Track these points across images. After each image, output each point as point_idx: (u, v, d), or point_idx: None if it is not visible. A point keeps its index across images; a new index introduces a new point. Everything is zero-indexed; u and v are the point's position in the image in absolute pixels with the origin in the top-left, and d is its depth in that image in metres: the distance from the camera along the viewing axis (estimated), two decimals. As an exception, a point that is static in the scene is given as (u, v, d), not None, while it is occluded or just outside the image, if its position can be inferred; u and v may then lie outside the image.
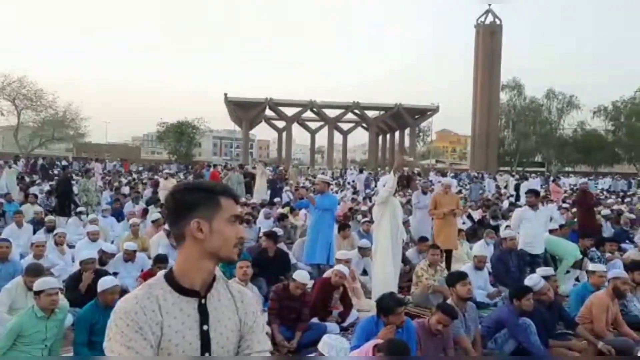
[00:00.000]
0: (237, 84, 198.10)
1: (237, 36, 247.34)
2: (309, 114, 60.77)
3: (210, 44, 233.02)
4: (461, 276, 5.13)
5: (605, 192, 25.51)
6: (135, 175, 29.07)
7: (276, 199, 15.21)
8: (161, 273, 1.54)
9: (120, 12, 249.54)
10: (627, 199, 20.28)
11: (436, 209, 8.59)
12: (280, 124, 63.44)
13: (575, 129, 62.45)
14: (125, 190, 17.85)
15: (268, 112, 60.62)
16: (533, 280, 5.54)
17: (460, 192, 21.43)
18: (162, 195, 14.53)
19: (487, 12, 57.40)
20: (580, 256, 8.35)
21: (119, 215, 12.21)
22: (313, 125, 65.60)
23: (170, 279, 1.48)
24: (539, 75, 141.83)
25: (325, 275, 6.50)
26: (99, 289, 4.75)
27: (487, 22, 57.54)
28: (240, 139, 68.49)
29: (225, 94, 55.56)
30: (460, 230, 9.56)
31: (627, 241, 11.53)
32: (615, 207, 15.24)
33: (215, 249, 1.48)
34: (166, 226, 8.71)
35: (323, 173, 32.98)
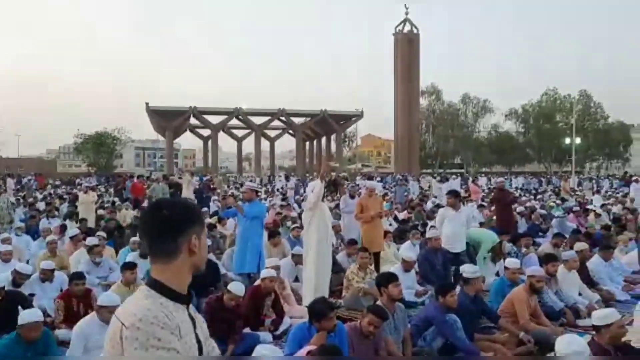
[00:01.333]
0: (160, 92, 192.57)
1: (159, 41, 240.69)
2: (235, 121, 60.12)
3: (130, 51, 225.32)
4: (392, 278, 5.22)
5: (519, 191, 27.01)
6: (51, 190, 27.48)
7: (204, 209, 14.87)
8: (143, 287, 1.55)
9: (25, 18, 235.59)
10: (539, 196, 21.61)
11: (362, 212, 8.68)
12: (206, 132, 62.33)
13: (489, 131, 66.18)
14: (41, 205, 16.80)
15: (193, 121, 59.37)
16: (471, 268, 5.78)
17: (386, 194, 21.94)
18: (82, 209, 13.78)
19: (405, 21, 59.34)
20: (498, 240, 8.76)
21: (34, 232, 11.47)
22: (240, 133, 64.96)
23: (162, 288, 1.52)
24: (456, 80, 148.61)
25: (255, 283, 6.42)
26: (20, 321, 4.35)
27: (405, 30, 59.53)
28: (164, 148, 66.60)
29: (147, 103, 53.78)
30: (386, 232, 9.75)
31: (539, 234, 12.28)
32: (528, 204, 16.16)
33: (201, 261, 1.61)
34: (87, 242, 8.27)
35: (251, 181, 32.80)
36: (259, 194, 15.91)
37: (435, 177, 31.12)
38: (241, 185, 29.88)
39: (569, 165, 53.35)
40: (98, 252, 7.90)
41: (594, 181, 32.52)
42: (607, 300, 7.02)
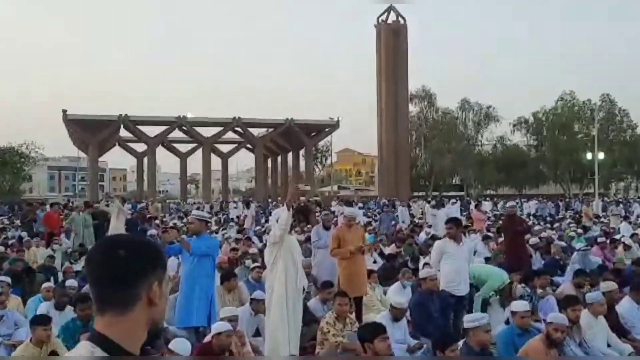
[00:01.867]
0: (82, 97, 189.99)
1: (82, 37, 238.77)
2: (177, 133, 59.83)
3: (44, 48, 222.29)
4: (378, 330, 5.21)
5: (532, 218, 27.43)
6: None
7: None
8: (85, 344, 1.54)
9: None
10: (557, 225, 21.98)
11: (340, 247, 8.66)
12: (141, 147, 61.86)
13: (494, 144, 67.21)
14: None
15: (124, 133, 58.88)
16: (473, 316, 5.80)
17: (369, 224, 22.01)
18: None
19: (389, 9, 60.24)
20: (508, 280, 8.87)
21: None
22: (183, 147, 64.64)
23: (110, 347, 1.51)
24: (452, 82, 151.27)
25: (205, 340, 6.33)
26: None
27: (390, 21, 60.38)
28: (87, 168, 65.65)
29: (64, 111, 53.10)
30: (370, 272, 9.75)
31: (558, 272, 12.46)
32: (543, 234, 16.40)
33: (160, 315, 1.62)
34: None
35: (198, 208, 32.53)
36: (209, 225, 15.79)
37: (429, 202, 31.38)
38: (186, 214, 29.68)
39: (591, 185, 54.61)
40: (0, 302, 7.70)
41: (621, 205, 33.26)
42: (641, 352, 7.14)
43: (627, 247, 14.14)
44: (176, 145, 64.62)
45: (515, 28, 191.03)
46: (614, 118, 63.14)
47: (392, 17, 60.39)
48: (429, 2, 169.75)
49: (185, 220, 22.59)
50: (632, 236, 15.84)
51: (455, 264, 8.11)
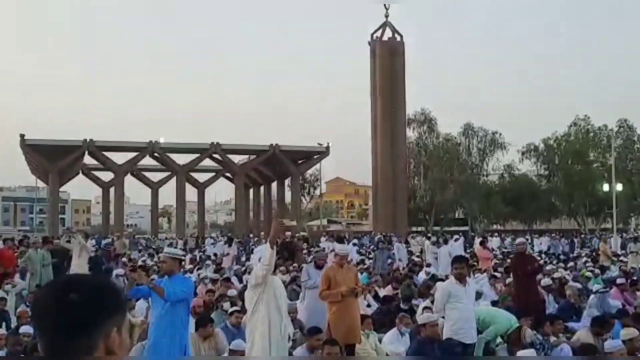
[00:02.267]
0: (42, 121, 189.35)
1: (41, 55, 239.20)
2: (149, 161, 59.69)
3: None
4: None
5: (544, 256, 27.47)
6: None
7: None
8: None
9: None
10: (571, 264, 22.01)
11: (330, 289, 8.63)
12: (107, 176, 61.67)
13: (501, 174, 67.57)
14: None
15: (88, 160, 58.70)
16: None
17: (362, 262, 21.94)
18: None
19: (385, 25, 60.88)
20: (517, 324, 8.84)
21: None
22: (155, 176, 64.49)
23: None
24: (454, 105, 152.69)
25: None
26: None
27: (385, 37, 61.00)
28: (46, 199, 65.22)
29: (22, 136, 52.98)
30: (364, 317, 9.70)
31: (573, 317, 12.44)
32: (557, 274, 16.41)
33: None
34: None
35: (171, 244, 32.31)
36: (183, 263, 15.69)
37: (429, 238, 31.42)
38: (157, 251, 29.46)
39: (609, 220, 54.86)
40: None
41: (642, 242, 33.45)
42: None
43: (649, 290, 14.17)
44: (147, 174, 64.43)
45: (524, 47, 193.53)
46: (633, 145, 63.79)
47: (388, 33, 60.99)
48: (428, 16, 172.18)
49: (156, 258, 22.43)
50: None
51: (463, 309, 8.11)
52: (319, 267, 10.39)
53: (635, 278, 15.65)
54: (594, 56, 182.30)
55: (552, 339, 9.23)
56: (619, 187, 49.49)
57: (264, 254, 7.09)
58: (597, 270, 18.19)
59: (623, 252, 29.06)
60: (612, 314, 10.59)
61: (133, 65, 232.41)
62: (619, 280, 14.63)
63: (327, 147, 61.97)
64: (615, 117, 64.67)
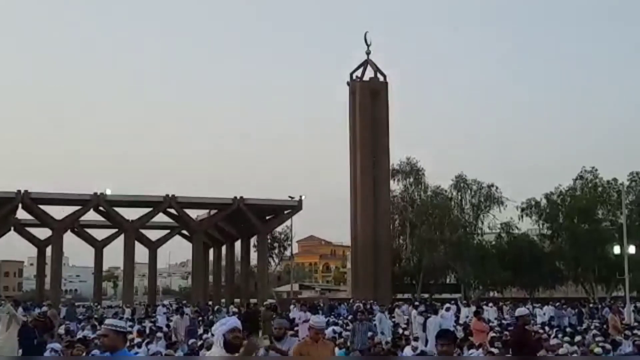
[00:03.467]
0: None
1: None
2: (93, 215, 59.24)
3: None
4: None
5: (548, 328, 27.50)
6: None
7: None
8: None
9: None
10: (578, 338, 22.04)
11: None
12: (44, 233, 61.00)
13: (498, 233, 67.91)
14: None
15: (22, 215, 58.11)
16: None
17: (339, 336, 21.77)
18: None
19: (366, 63, 61.71)
20: None
21: None
22: (100, 234, 63.94)
23: None
24: (444, 155, 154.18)
25: None
26: None
27: (367, 77, 61.77)
28: (-29, 259, 64.34)
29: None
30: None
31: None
32: (562, 350, 16.41)
33: None
34: None
35: (116, 314, 31.83)
36: (129, 336, 15.42)
37: (416, 307, 31.32)
38: (100, 321, 28.97)
39: (620, 287, 55.20)
40: None
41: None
42: None
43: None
44: (90, 231, 63.87)
45: (523, 92, 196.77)
46: (646, 201, 64.55)
47: (370, 72, 61.80)
48: (414, 54, 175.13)
49: (99, 330, 22.07)
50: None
51: None
52: (277, 338, 10.30)
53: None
54: (603, 103, 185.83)
55: None
56: (632, 249, 49.90)
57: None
58: (608, 346, 18.20)
59: (636, 324, 29.19)
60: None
61: (77, 106, 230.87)
62: (632, 358, 14.66)
63: (300, 201, 61.88)
64: (627, 169, 65.52)
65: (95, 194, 55.53)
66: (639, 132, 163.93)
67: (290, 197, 62.12)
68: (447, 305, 31.98)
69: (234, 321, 7.15)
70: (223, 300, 60.41)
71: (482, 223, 67.87)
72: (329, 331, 22.40)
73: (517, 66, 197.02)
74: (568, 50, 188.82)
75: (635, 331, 25.34)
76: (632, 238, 51.52)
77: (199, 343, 19.41)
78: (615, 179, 63.52)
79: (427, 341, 21.32)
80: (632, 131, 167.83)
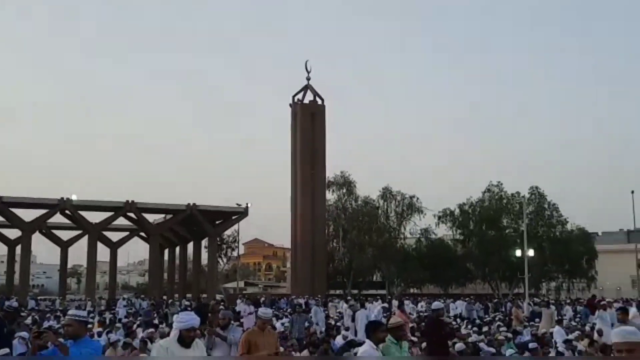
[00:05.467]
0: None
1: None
2: (59, 218, 57.95)
3: None
4: None
5: (458, 320, 27.91)
6: None
7: (4, 350, 13.82)
8: None
9: None
10: (485, 328, 22.42)
11: (249, 353, 8.65)
12: (13, 233, 59.36)
13: (418, 238, 68.69)
14: None
15: (-7, 216, 56.48)
16: None
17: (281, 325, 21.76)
18: None
19: (306, 88, 62.08)
20: None
21: None
22: (65, 234, 62.55)
23: None
24: (373, 169, 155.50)
25: None
26: None
27: (307, 100, 62.13)
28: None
29: None
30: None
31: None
32: (471, 338, 16.68)
33: None
34: None
35: (79, 306, 31.16)
36: (91, 326, 15.15)
37: (348, 301, 31.45)
38: (64, 313, 28.32)
39: (521, 285, 56.35)
40: None
41: (553, 307, 34.49)
42: None
43: (559, 354, 14.55)
44: (57, 232, 62.48)
45: (444, 112, 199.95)
46: (543, 212, 65.90)
47: (309, 96, 62.18)
48: (348, 82, 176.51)
49: (62, 321, 21.58)
50: (565, 342, 16.36)
51: None
52: (222, 327, 10.23)
53: (545, 343, 16.04)
54: (509, 125, 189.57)
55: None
56: (531, 252, 51.16)
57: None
58: (509, 335, 18.56)
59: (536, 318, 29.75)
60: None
61: (45, 118, 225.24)
62: (531, 345, 14.96)
63: (246, 208, 61.53)
64: (527, 184, 67.04)
65: (62, 198, 54.42)
66: (539, 151, 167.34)
67: (237, 204, 61.78)
68: (376, 303, 32.19)
69: (192, 319, 7.08)
70: (176, 295, 59.67)
71: (405, 229, 68.65)
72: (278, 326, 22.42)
73: (439, 87, 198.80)
74: (487, 72, 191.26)
75: (532, 322, 25.95)
76: (531, 243, 52.83)
77: (154, 333, 19.12)
78: (518, 192, 64.91)
79: (356, 331, 21.42)
80: (533, 150, 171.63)
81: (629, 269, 61.34)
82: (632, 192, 51.03)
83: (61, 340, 8.35)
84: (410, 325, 21.53)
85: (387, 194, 67.39)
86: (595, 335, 17.48)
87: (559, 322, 24.56)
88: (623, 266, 64.41)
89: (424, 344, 14.56)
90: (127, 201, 56.25)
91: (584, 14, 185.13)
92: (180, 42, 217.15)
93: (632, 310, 20.08)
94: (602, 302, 23.64)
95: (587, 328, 21.21)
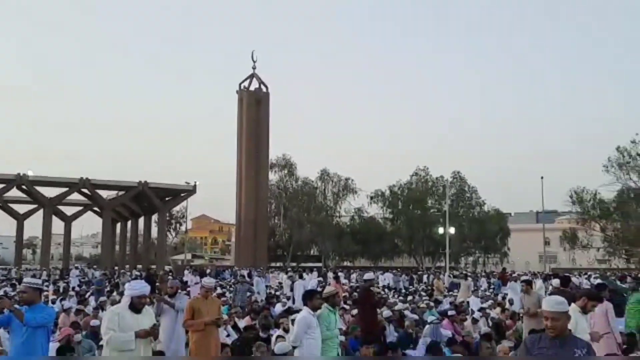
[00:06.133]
0: None
1: None
2: (16, 192, 56.18)
3: None
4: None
5: (387, 290, 28.38)
6: None
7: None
8: None
9: None
10: (410, 297, 22.87)
11: (193, 318, 8.63)
12: (-29, 206, 57.23)
13: (352, 216, 69.45)
14: None
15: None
16: None
17: (223, 295, 21.69)
18: None
19: (252, 76, 61.71)
20: None
21: None
22: (22, 208, 60.68)
23: None
24: (312, 153, 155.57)
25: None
26: None
27: (252, 88, 61.74)
28: None
29: None
30: (224, 346, 9.59)
31: (410, 345, 12.89)
32: (397, 307, 16.98)
33: None
34: None
35: (34, 276, 30.36)
36: (45, 294, 14.81)
37: (287, 273, 31.61)
38: (19, 281, 27.59)
39: (442, 259, 57.67)
40: None
41: (470, 279, 35.40)
42: None
43: (475, 321, 14.97)
44: (13, 206, 60.58)
45: (378, 100, 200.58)
46: (464, 194, 67.62)
47: (255, 84, 61.85)
48: (291, 71, 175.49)
49: (17, 288, 21.01)
50: (480, 310, 16.83)
51: (318, 338, 8.26)
52: (170, 295, 10.16)
53: (462, 311, 16.46)
54: (436, 111, 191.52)
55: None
56: (452, 230, 52.37)
57: (121, 340, 6.62)
58: (431, 303, 18.96)
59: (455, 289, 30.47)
60: (443, 342, 11.08)
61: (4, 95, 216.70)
62: (450, 313, 15.34)
63: (194, 186, 61.06)
64: (450, 169, 68.51)
65: (19, 174, 52.92)
66: (461, 138, 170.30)
67: (186, 182, 61.24)
68: (310, 271, 32.39)
69: (143, 287, 6.99)
70: (127, 266, 58.78)
71: (340, 207, 69.48)
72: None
73: (374, 76, 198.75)
74: (421, 60, 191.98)
75: (451, 292, 26.63)
76: (452, 222, 54.05)
77: (105, 301, 18.82)
78: (441, 176, 66.39)
79: (294, 299, 21.53)
80: (456, 137, 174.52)
81: (537, 246, 63.23)
82: (542, 177, 52.41)
83: (17, 306, 8.14)
84: (344, 294, 21.83)
85: (324, 175, 67.92)
86: (507, 304, 18.04)
87: (475, 292, 25.31)
88: (532, 243, 66.40)
89: (355, 311, 14.75)
90: (82, 178, 55.09)
91: None
92: (146, 29, 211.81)
93: (538, 282, 20.88)
94: (513, 275, 24.44)
95: (499, 298, 21.81)
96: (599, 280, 22.39)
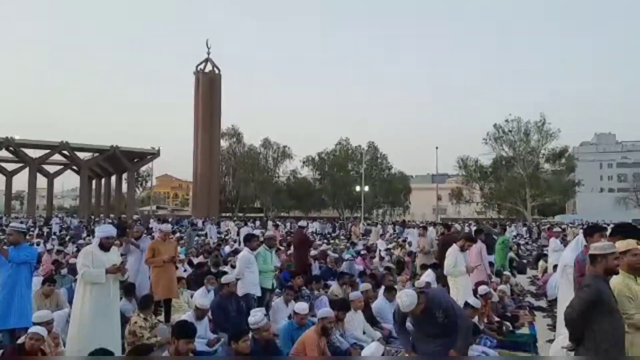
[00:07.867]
0: None
1: None
2: (4, 153, 53.44)
3: None
4: (188, 333, 5.06)
5: (315, 235, 28.73)
6: None
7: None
8: None
9: None
10: (333, 241, 23.27)
11: (154, 257, 8.54)
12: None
13: (289, 177, 69.76)
14: None
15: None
16: (255, 317, 5.83)
17: (181, 239, 21.47)
18: None
19: (207, 60, 60.26)
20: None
21: None
22: (10, 166, 57.79)
23: None
24: (257, 124, 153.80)
25: (19, 341, 5.66)
26: None
27: (207, 70, 60.32)
28: None
29: None
30: (180, 278, 9.54)
31: (332, 278, 13.16)
32: (321, 248, 17.26)
33: None
34: None
35: (21, 223, 29.10)
36: (30, 237, 14.24)
37: (234, 221, 31.47)
38: (7, 226, 26.49)
39: (359, 211, 58.76)
40: None
41: (379, 226, 36.25)
42: (388, 337, 7.76)
43: (381, 258, 15.42)
44: (3, 164, 57.63)
45: (310, 79, 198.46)
46: (377, 160, 68.82)
47: (209, 67, 60.48)
48: (240, 55, 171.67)
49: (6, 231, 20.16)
50: (386, 250, 17.32)
51: (255, 271, 8.55)
52: (136, 238, 10.00)
53: (372, 250, 16.91)
54: (354, 89, 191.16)
55: (315, 292, 9.71)
56: (366, 188, 53.34)
57: (93, 274, 6.40)
58: (349, 245, 19.40)
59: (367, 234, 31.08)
60: (357, 274, 11.36)
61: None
62: (362, 252, 15.73)
63: (158, 150, 60.06)
64: (367, 139, 69.37)
65: (7, 137, 50.28)
66: (377, 113, 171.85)
67: (152, 147, 59.99)
68: (254, 220, 32.34)
69: (110, 230, 6.79)
70: (101, 215, 57.15)
71: (279, 170, 69.47)
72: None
73: (309, 60, 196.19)
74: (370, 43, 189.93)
75: (365, 237, 27.22)
76: (367, 182, 55.09)
77: (84, 244, 18.30)
78: (359, 145, 67.30)
79: (240, 242, 21.54)
80: (374, 113, 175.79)
81: (431, 201, 65.17)
82: (437, 147, 53.73)
83: (5, 247, 7.81)
84: (280, 238, 21.97)
85: (266, 143, 67.82)
86: (407, 246, 18.62)
87: (382, 236, 25.94)
88: (428, 199, 68.34)
89: (290, 251, 14.91)
90: (62, 141, 52.98)
91: None
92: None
93: (430, 229, 21.49)
94: (411, 222, 25.11)
95: (401, 241, 22.47)
96: (475, 227, 23.38)
